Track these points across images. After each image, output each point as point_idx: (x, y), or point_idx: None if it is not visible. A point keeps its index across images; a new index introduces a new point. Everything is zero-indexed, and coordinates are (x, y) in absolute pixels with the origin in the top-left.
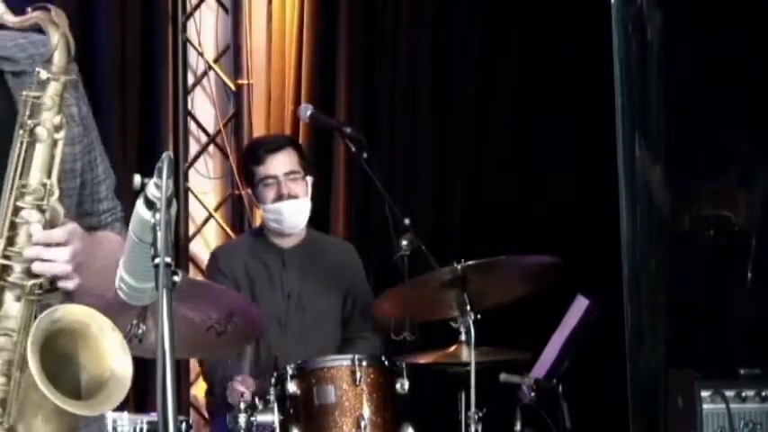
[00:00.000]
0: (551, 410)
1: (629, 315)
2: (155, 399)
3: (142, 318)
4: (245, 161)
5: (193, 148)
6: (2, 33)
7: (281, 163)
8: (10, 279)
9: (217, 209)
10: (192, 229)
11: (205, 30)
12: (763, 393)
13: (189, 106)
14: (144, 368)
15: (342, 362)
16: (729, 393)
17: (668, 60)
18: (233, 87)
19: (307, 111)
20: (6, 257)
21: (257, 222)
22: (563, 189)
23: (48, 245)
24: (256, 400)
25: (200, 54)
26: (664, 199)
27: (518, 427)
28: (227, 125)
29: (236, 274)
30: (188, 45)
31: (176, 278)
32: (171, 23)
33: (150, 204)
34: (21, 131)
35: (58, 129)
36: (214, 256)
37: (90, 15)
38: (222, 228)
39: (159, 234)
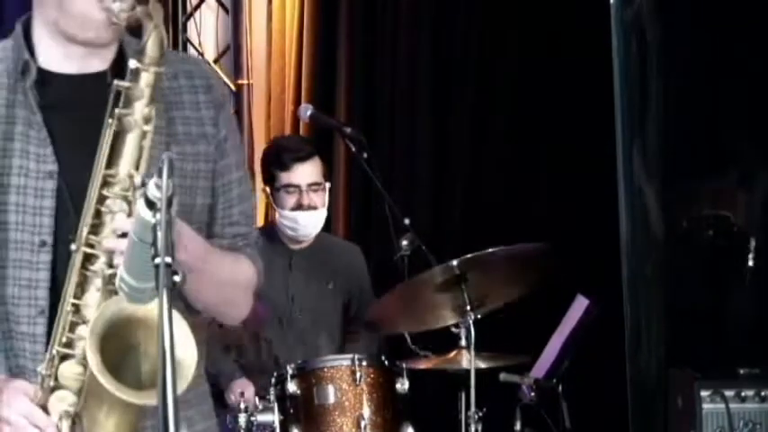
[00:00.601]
0: (551, 410)
1: (629, 315)
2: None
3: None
4: (269, 161)
5: None
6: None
7: (306, 173)
8: (92, 268)
9: None
10: None
11: (205, 30)
12: (763, 393)
13: None
14: None
15: (342, 362)
16: (729, 393)
17: (667, 61)
18: (233, 87)
19: (307, 111)
20: (90, 246)
21: (260, 222)
22: (563, 189)
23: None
24: (257, 399)
25: (201, 54)
26: (663, 199)
27: (518, 426)
28: None
29: None
30: (188, 45)
31: (176, 278)
32: (171, 23)
33: (151, 204)
34: (110, 120)
35: (147, 120)
36: None
37: None
38: None
39: (159, 234)
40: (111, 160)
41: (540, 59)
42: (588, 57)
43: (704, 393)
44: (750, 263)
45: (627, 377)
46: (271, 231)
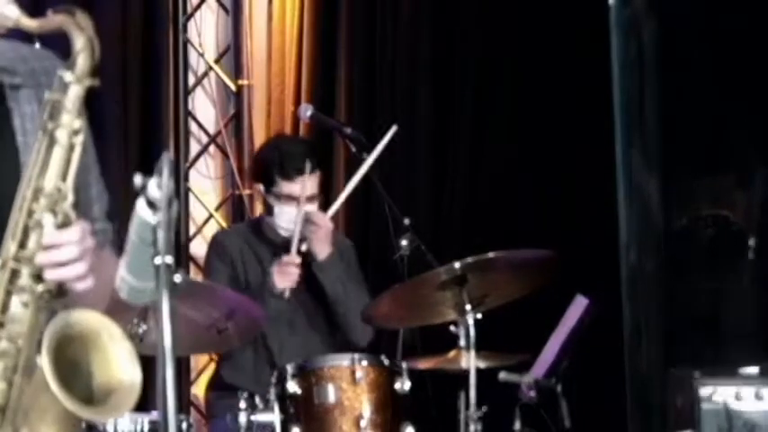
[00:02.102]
0: (551, 410)
1: (628, 314)
2: (155, 398)
3: (143, 317)
4: (269, 165)
5: (194, 149)
6: (2, 44)
7: (307, 186)
8: (19, 283)
9: (217, 209)
10: (192, 230)
11: (205, 30)
12: (762, 393)
13: (189, 107)
14: (145, 367)
15: (342, 361)
16: (728, 393)
17: (666, 61)
18: (233, 88)
19: (307, 111)
20: (17, 260)
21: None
22: (562, 189)
23: (59, 246)
24: (256, 399)
25: (201, 55)
26: (662, 199)
27: (517, 426)
28: (227, 125)
29: (234, 257)
30: (188, 46)
31: (176, 278)
32: (171, 24)
33: (151, 204)
34: (40, 133)
35: (76, 133)
36: (214, 238)
37: (90, 16)
38: (222, 228)
39: (160, 234)
40: (40, 173)
41: (539, 59)
42: (588, 57)
43: (703, 393)
44: (749, 262)
45: (626, 377)
46: (257, 225)
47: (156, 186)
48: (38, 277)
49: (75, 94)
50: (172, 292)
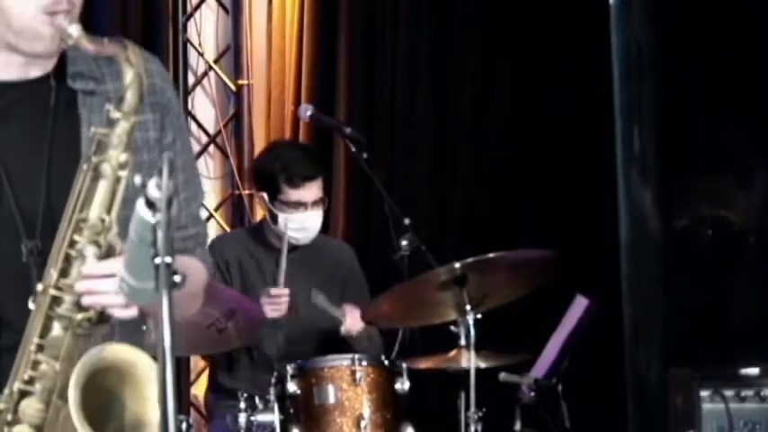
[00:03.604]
0: (551, 410)
1: (629, 315)
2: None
3: (143, 317)
4: (272, 173)
5: (194, 149)
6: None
7: (314, 192)
8: (59, 310)
9: (217, 209)
10: None
11: (205, 30)
12: (763, 393)
13: (189, 106)
14: None
15: (342, 362)
16: (729, 393)
17: (666, 61)
18: (233, 88)
19: (307, 111)
20: (58, 288)
21: (257, 218)
22: (562, 189)
23: (99, 276)
24: (256, 399)
25: (201, 54)
26: (662, 199)
27: (518, 426)
28: (227, 125)
29: (229, 264)
30: (188, 45)
31: (176, 278)
32: (171, 24)
33: (150, 204)
34: (85, 166)
35: (122, 167)
36: (211, 244)
37: (90, 16)
38: (222, 228)
39: (159, 234)
40: (84, 204)
41: (539, 60)
42: (588, 57)
43: (704, 393)
44: (749, 263)
45: (627, 377)
46: (259, 231)
47: (156, 186)
48: (78, 305)
49: (122, 130)
50: (172, 292)
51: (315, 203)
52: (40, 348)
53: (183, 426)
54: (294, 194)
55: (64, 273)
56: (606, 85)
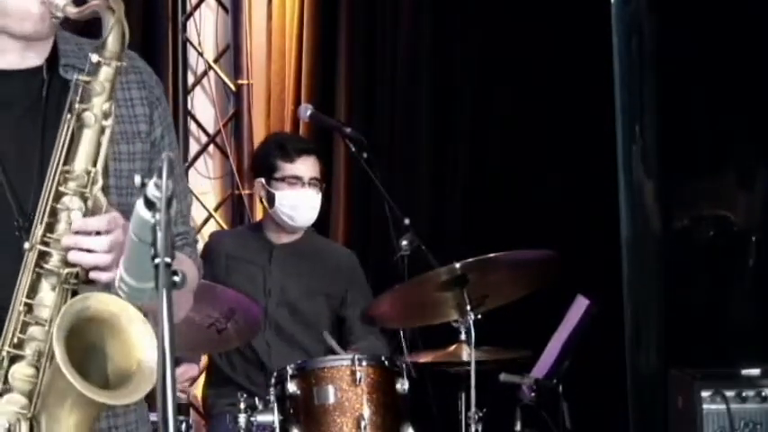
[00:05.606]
0: (551, 410)
1: (629, 315)
2: (155, 399)
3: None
4: (268, 153)
5: (193, 148)
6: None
7: (310, 167)
8: (47, 266)
9: (217, 209)
10: None
11: (205, 30)
12: (763, 393)
13: (189, 106)
14: None
15: (342, 362)
16: (729, 393)
17: (667, 60)
18: (233, 87)
19: (307, 111)
20: (45, 243)
21: (258, 219)
22: (563, 189)
23: (86, 233)
24: (256, 400)
25: (200, 54)
26: (663, 199)
27: (518, 426)
28: (227, 125)
29: (218, 259)
30: (188, 45)
31: (176, 278)
32: (171, 23)
33: (150, 204)
34: (68, 115)
35: (106, 115)
36: (207, 239)
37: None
38: (222, 228)
39: (159, 234)
40: (68, 156)
41: (540, 59)
42: (588, 56)
43: (705, 394)
44: (750, 263)
45: (627, 378)
46: (257, 228)
47: (156, 186)
48: (65, 261)
49: (105, 75)
50: (171, 293)
51: (311, 182)
52: (29, 309)
53: (183, 426)
54: (289, 168)
55: (50, 227)
56: (607, 85)
